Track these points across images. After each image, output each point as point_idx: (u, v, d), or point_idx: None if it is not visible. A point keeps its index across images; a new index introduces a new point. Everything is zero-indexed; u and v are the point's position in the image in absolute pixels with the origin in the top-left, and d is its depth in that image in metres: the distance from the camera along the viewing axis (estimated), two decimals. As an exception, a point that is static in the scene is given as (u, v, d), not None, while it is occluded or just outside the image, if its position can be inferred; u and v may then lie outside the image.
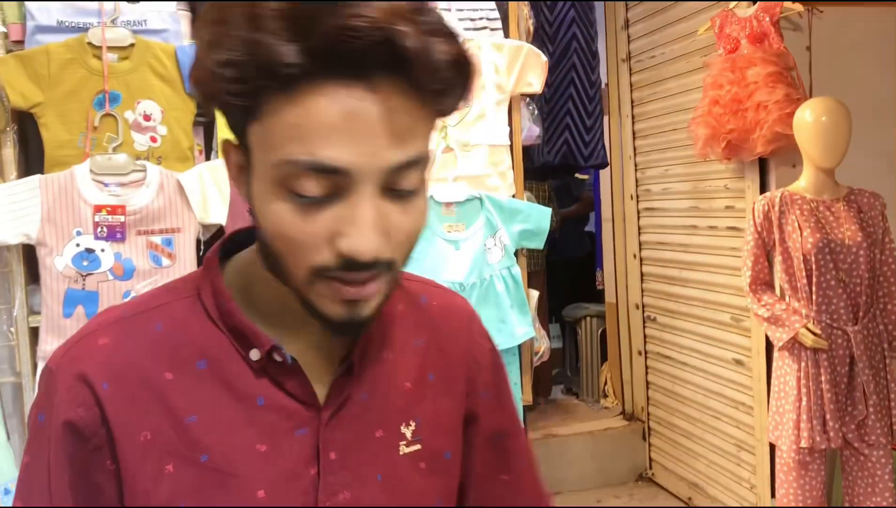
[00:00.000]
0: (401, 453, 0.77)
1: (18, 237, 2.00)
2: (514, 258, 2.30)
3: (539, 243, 2.32)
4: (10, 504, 1.98)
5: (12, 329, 2.07)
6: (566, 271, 5.13)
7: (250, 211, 0.68)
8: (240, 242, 0.78)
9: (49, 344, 2.00)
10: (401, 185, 0.63)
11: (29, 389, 2.05)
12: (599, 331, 4.63)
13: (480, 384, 0.86)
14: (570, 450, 4.00)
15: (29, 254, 2.08)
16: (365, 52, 0.58)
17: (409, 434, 0.78)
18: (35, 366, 2.05)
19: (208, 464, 0.70)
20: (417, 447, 0.78)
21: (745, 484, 3.26)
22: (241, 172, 0.68)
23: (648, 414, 4.07)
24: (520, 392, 2.31)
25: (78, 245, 2.01)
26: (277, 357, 0.71)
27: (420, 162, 0.64)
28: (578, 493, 3.88)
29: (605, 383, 4.51)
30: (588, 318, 4.73)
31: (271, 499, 0.70)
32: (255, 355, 0.71)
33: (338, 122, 0.59)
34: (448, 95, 0.65)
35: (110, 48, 2.08)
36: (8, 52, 2.05)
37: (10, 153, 2.06)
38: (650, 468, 4.07)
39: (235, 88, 0.60)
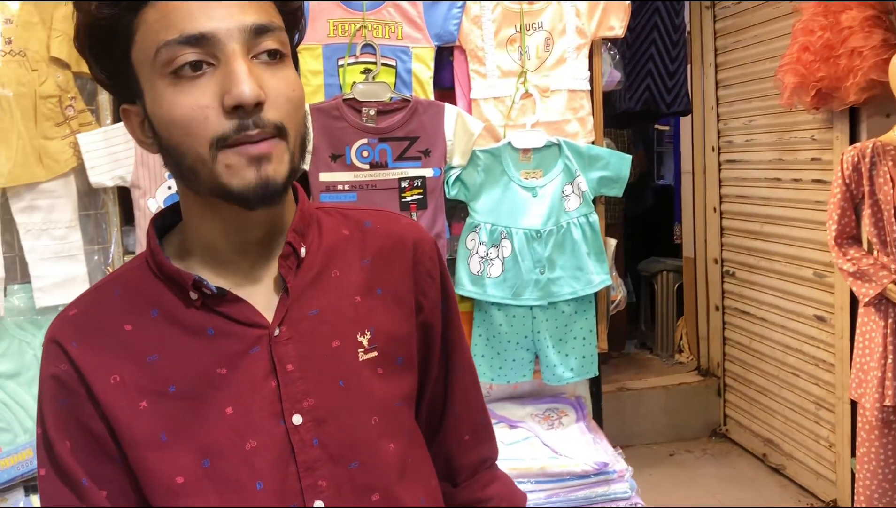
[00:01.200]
0: (360, 359, 0.85)
1: (114, 180, 2.09)
2: (593, 206, 2.28)
3: (618, 191, 2.29)
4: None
5: (108, 267, 2.18)
6: (643, 225, 5.06)
7: (158, 147, 0.78)
8: (180, 213, 0.86)
9: (143, 282, 2.10)
10: (263, 48, 0.74)
11: (124, 324, 2.17)
12: (676, 286, 4.57)
13: (435, 296, 0.93)
14: (642, 404, 3.99)
15: (123, 196, 2.17)
16: None
17: (365, 342, 0.85)
18: (130, 303, 2.16)
19: (177, 393, 0.79)
20: (374, 353, 0.86)
21: (823, 443, 3.20)
22: (142, 124, 0.78)
23: (724, 370, 4.02)
24: (595, 341, 2.31)
25: (170, 188, 2.10)
26: (205, 290, 0.80)
27: (274, 30, 0.75)
28: (651, 446, 3.88)
29: (681, 338, 4.46)
30: (665, 272, 4.67)
31: (239, 413, 0.79)
32: (193, 295, 0.80)
33: (193, 2, 0.72)
34: None
35: None
36: (102, 0, 2.12)
37: (105, 99, 2.15)
38: (724, 423, 4.04)
39: (114, 12, 0.73)
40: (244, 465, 0.78)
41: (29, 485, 1.96)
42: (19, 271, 2.07)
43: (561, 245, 2.25)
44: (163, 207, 2.09)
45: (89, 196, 2.16)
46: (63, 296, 2.06)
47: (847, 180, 2.47)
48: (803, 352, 3.30)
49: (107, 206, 2.17)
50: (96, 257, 2.17)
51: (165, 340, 0.80)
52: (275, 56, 0.75)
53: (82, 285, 2.09)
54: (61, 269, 2.07)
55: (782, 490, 3.43)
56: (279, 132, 0.74)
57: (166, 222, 0.87)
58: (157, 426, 0.78)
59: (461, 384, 0.99)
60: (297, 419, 0.80)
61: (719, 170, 3.91)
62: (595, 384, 2.51)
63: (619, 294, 2.39)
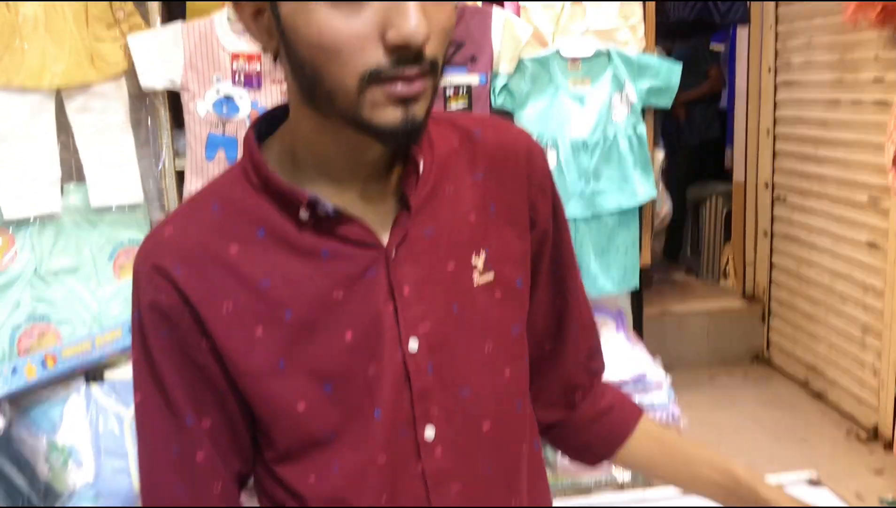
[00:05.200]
0: (475, 284, 0.79)
1: (164, 82, 2.12)
2: (641, 116, 2.25)
3: (667, 102, 2.24)
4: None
5: (159, 170, 2.23)
6: (693, 149, 4.96)
7: (276, 55, 0.69)
8: (278, 118, 0.78)
9: (193, 184, 2.15)
10: None
11: (176, 226, 2.22)
12: (724, 211, 4.51)
13: (546, 212, 0.86)
14: (685, 328, 3.99)
15: (174, 101, 2.20)
16: None
17: (480, 265, 0.79)
18: (181, 205, 2.21)
19: (293, 320, 0.73)
20: (490, 276, 0.80)
21: (868, 369, 3.18)
22: (258, 15, 0.68)
23: (770, 296, 3.98)
24: (638, 253, 2.30)
25: (218, 91, 2.12)
26: (320, 211, 0.72)
27: None
28: (691, 369, 3.89)
29: (727, 263, 4.42)
30: (713, 197, 4.60)
31: (358, 339, 0.74)
32: (303, 214, 0.73)
33: None
34: None
35: None
36: None
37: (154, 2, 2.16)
38: (767, 349, 4.02)
39: None
40: (366, 391, 0.75)
41: (89, 374, 2.06)
42: (75, 171, 2.12)
43: (607, 156, 2.23)
44: (211, 111, 2.13)
45: (140, 99, 2.19)
46: (116, 197, 2.12)
47: (909, 97, 2.39)
48: (852, 279, 3.24)
49: (157, 110, 2.20)
50: (147, 160, 2.22)
51: (276, 262, 0.73)
52: None
53: (135, 186, 2.14)
54: (114, 170, 2.12)
55: (822, 415, 3.42)
56: (433, 69, 0.66)
57: (262, 129, 0.78)
58: (275, 354, 0.73)
59: (577, 310, 0.93)
60: (412, 345, 0.76)
61: (775, 92, 3.80)
62: (637, 298, 2.51)
63: (665, 208, 2.36)
